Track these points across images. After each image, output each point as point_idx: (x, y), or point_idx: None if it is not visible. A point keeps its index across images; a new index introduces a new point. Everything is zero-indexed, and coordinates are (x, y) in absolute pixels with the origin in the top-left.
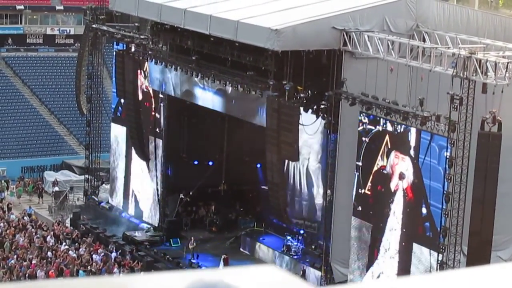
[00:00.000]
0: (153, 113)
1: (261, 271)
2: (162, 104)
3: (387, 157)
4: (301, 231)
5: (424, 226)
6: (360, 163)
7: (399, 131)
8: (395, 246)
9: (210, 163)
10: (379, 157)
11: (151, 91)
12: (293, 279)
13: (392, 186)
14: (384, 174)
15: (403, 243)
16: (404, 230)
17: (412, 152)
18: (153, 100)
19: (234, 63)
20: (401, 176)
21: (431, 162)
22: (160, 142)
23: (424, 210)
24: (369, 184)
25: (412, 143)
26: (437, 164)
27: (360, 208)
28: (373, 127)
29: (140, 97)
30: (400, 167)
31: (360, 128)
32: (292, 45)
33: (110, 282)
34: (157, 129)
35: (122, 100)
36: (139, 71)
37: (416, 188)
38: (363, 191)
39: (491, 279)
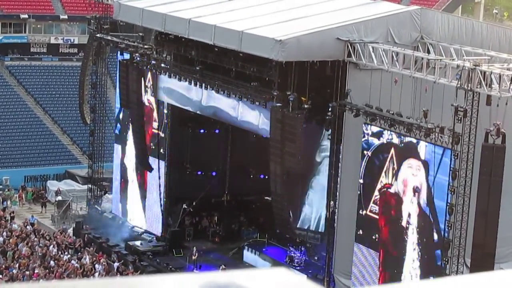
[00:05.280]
0: (153, 131)
1: (272, 273)
2: (166, 121)
3: (393, 174)
4: (305, 242)
5: (434, 255)
6: (361, 181)
7: (405, 143)
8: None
9: (214, 173)
10: (382, 174)
11: (154, 106)
12: (303, 281)
13: (402, 206)
14: (390, 193)
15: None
16: (420, 264)
17: (422, 167)
18: (156, 115)
19: (238, 73)
20: (415, 191)
21: (438, 178)
22: (162, 164)
23: (435, 236)
24: (371, 204)
25: (422, 157)
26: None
27: (361, 232)
28: (376, 139)
29: None
30: (413, 182)
31: (362, 140)
32: (296, 56)
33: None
34: (161, 150)
35: (121, 115)
36: (142, 85)
37: (426, 210)
38: (364, 212)
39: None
